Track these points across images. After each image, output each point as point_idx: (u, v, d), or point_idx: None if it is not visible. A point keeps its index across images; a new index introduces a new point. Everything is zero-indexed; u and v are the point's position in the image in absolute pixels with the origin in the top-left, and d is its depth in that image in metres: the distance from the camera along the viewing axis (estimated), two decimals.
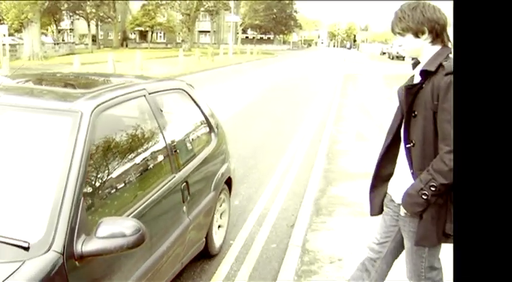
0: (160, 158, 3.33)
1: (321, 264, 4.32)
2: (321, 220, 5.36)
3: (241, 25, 73.82)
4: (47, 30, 60.15)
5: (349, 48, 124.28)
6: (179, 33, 66.65)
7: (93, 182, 2.55)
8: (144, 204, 2.85)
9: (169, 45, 70.72)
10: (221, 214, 4.66)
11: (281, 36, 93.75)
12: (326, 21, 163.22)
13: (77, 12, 59.50)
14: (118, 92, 3.04)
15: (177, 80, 4.52)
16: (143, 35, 74.35)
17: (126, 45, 65.71)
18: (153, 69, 24.26)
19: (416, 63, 2.78)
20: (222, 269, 4.32)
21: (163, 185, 3.19)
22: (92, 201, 2.47)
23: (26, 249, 2.03)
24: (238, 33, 73.39)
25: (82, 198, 2.25)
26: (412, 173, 2.69)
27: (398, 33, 2.67)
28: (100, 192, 2.59)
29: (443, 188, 2.50)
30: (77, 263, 2.14)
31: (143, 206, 2.83)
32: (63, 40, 63.13)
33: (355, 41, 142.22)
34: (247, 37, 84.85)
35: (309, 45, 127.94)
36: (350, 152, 8.77)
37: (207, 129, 4.45)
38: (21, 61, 29.10)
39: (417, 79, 2.69)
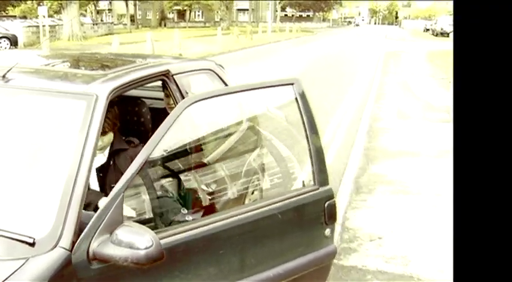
0: None
1: (360, 242, 4.28)
2: (361, 198, 5.31)
3: (279, 3, 73.00)
4: (86, 10, 60.62)
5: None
6: (217, 12, 66.30)
7: None
8: None
9: (207, 24, 70.60)
10: None
11: (321, 13, 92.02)
12: None
13: None
14: (138, 73, 2.81)
15: (205, 60, 4.32)
16: (181, 14, 74.48)
17: (165, 25, 65.80)
18: (192, 48, 24.21)
19: None
20: None
21: None
22: None
23: (32, 245, 1.86)
24: (277, 11, 72.58)
25: (122, 194, 1.97)
26: None
27: None
28: None
29: None
30: (93, 263, 1.90)
31: None
32: (101, 20, 63.88)
33: (396, 17, 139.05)
34: (286, 15, 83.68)
35: (349, 22, 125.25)
36: (391, 130, 8.58)
37: None
38: (61, 42, 29.47)
39: None
